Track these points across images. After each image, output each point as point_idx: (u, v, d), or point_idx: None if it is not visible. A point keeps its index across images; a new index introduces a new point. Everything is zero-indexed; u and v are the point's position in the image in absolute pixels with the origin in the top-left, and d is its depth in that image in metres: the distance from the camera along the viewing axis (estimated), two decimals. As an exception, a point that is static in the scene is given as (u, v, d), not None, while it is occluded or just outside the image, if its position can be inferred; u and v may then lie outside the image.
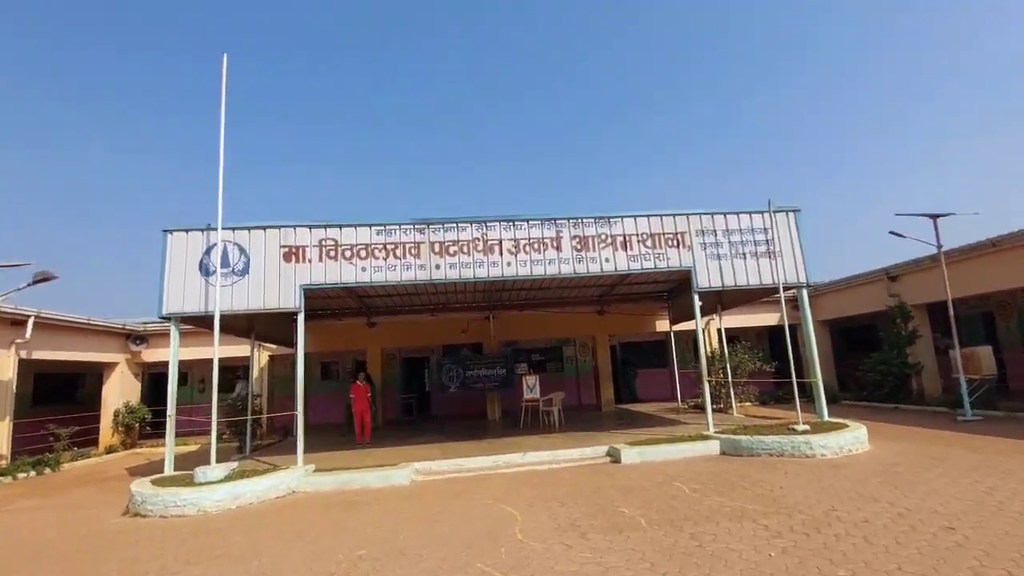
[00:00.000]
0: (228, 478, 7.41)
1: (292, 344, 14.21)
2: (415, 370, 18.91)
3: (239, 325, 11.09)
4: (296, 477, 7.64)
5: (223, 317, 9.87)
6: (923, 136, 66.23)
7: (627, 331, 16.88)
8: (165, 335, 14.76)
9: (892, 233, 10.54)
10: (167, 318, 8.49)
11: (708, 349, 15.40)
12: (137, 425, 14.71)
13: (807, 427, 8.26)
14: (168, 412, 8.45)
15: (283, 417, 14.88)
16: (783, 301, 9.06)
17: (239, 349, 14.61)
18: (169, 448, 8.43)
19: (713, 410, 13.04)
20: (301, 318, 8.56)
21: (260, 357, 14.98)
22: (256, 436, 14.29)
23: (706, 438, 8.49)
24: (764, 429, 8.54)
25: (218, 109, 8.37)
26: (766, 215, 9.54)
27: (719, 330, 13.42)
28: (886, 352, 13.05)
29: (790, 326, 18.03)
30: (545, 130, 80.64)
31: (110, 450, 13.50)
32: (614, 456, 8.19)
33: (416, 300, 13.75)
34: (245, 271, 8.49)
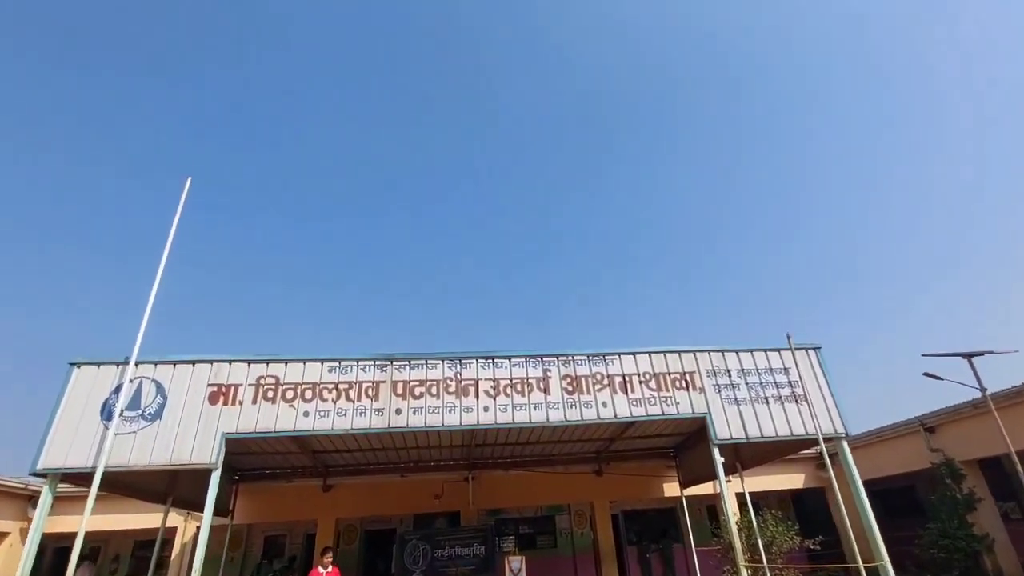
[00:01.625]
0: None
1: (227, 513, 11.77)
2: (381, 546, 15.69)
3: (152, 486, 8.94)
4: None
5: (126, 475, 7.95)
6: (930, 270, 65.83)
7: (630, 496, 14.42)
8: (76, 499, 12.24)
9: (928, 375, 9.26)
10: (42, 474, 6.56)
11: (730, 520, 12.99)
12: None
13: (893, 640, 5.98)
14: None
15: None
16: (825, 455, 7.36)
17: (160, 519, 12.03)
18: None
19: (747, 604, 10.43)
20: (216, 476, 6.70)
21: (187, 529, 12.26)
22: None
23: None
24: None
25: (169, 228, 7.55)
26: (786, 353, 8.32)
27: (741, 495, 11.25)
28: (943, 522, 10.81)
29: (815, 490, 15.89)
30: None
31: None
32: None
33: (381, 456, 11.68)
34: (158, 415, 6.83)
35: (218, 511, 11.36)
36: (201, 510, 10.88)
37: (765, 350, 8.36)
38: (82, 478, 7.48)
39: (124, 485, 8.13)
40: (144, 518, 12.52)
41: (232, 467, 11.65)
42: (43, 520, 6.40)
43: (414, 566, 10.78)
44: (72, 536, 14.25)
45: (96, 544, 14.89)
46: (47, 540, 14.43)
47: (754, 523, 10.11)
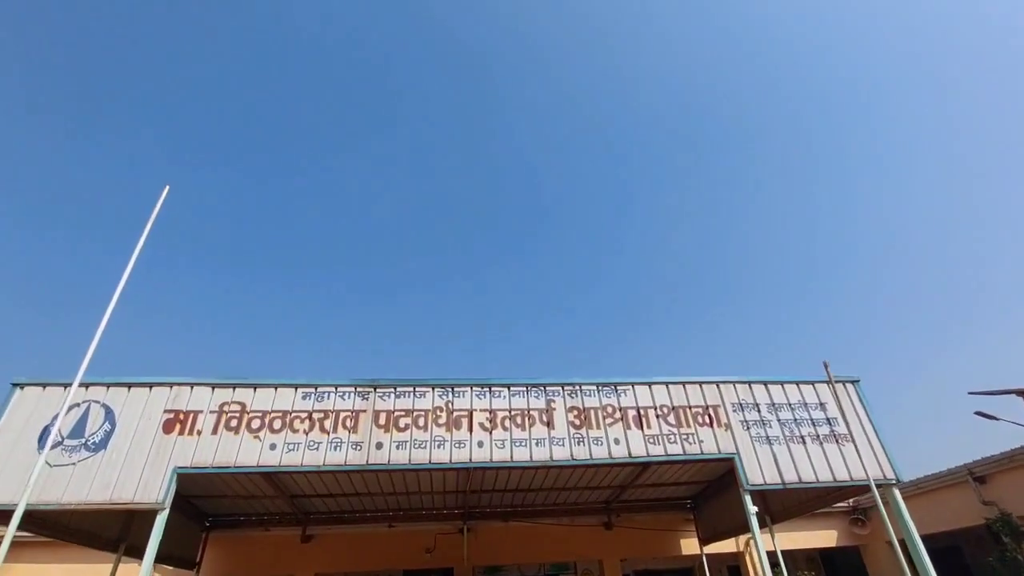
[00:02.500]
0: None
1: (194, 565, 10.55)
2: (366, 607, 14.18)
3: (100, 530, 7.88)
4: None
5: (64, 516, 6.95)
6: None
7: (643, 553, 12.98)
8: (34, 545, 11.05)
9: (980, 415, 8.23)
10: (-43, 515, 5.60)
11: (756, 582, 11.55)
12: None
13: None
14: None
15: None
16: (879, 503, 6.26)
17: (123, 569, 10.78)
18: None
19: None
20: (161, 519, 5.69)
21: (147, 584, 10.96)
22: None
23: None
24: None
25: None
26: (821, 386, 7.38)
27: (772, 554, 9.94)
28: (1006, 591, 9.41)
29: (848, 550, 14.33)
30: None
31: None
32: None
33: (367, 503, 10.56)
34: (103, 444, 5.94)
35: (183, 563, 10.22)
36: (161, 561, 9.83)
37: (797, 382, 7.43)
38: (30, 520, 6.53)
39: (63, 528, 7.10)
40: (106, 569, 11.31)
41: (202, 512, 10.55)
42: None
43: (399, 632, 9.43)
44: (25, 589, 12.99)
45: (52, 599, 13.48)
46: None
47: (789, 588, 8.80)
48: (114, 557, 8.14)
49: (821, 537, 13.22)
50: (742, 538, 12.22)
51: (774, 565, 9.56)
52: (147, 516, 8.74)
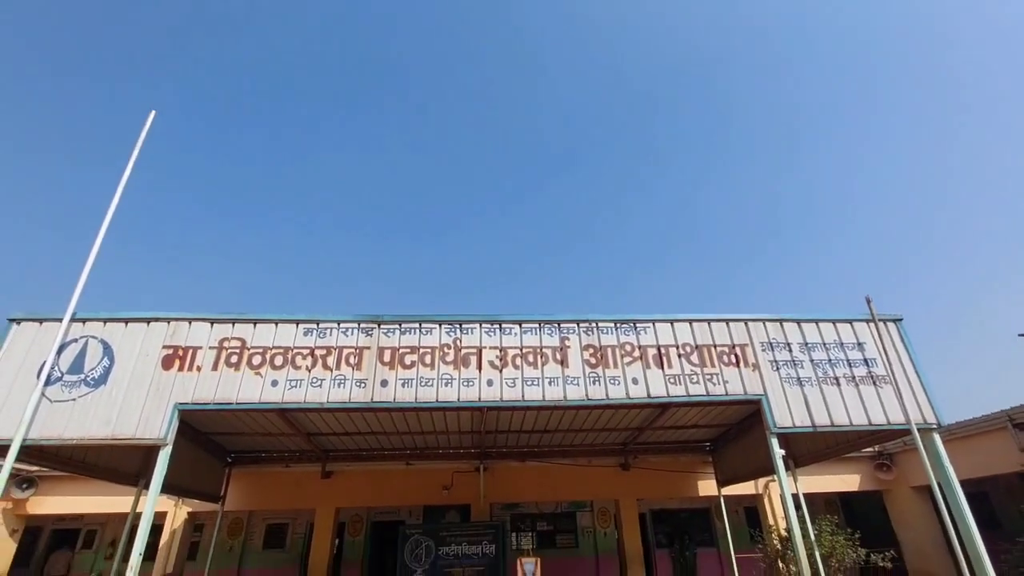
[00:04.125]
0: None
1: (218, 498, 10.86)
2: (389, 539, 14.63)
3: (118, 466, 7.99)
4: None
5: (80, 451, 6.99)
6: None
7: (660, 494, 12.98)
8: (63, 479, 11.54)
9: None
10: (-35, 448, 5.56)
11: (775, 524, 11.45)
12: (-12, 609, 10.68)
13: None
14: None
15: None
16: (921, 448, 5.80)
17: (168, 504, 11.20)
18: None
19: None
20: (164, 454, 5.58)
21: (176, 514, 11.41)
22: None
23: None
24: None
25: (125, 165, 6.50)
26: (859, 325, 6.79)
27: (793, 496, 9.70)
28: (1041, 538, 9.04)
29: (868, 494, 14.10)
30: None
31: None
32: None
33: (384, 442, 10.57)
34: (102, 380, 5.78)
35: (208, 497, 10.51)
36: (185, 495, 10.11)
37: (834, 320, 6.84)
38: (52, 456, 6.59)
39: (81, 463, 7.16)
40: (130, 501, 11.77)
41: (224, 448, 10.73)
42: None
43: (416, 564, 9.64)
44: (68, 518, 13.77)
45: (93, 528, 14.28)
46: (44, 521, 13.90)
47: (810, 531, 8.58)
48: (135, 491, 8.28)
49: (843, 481, 12.98)
50: (761, 481, 12.04)
51: (795, 508, 9.33)
52: (185, 456, 8.95)
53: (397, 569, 9.63)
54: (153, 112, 6.90)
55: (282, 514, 14.32)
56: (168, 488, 9.04)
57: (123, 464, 8.04)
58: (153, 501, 5.33)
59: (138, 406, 5.66)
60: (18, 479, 11.42)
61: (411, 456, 11.38)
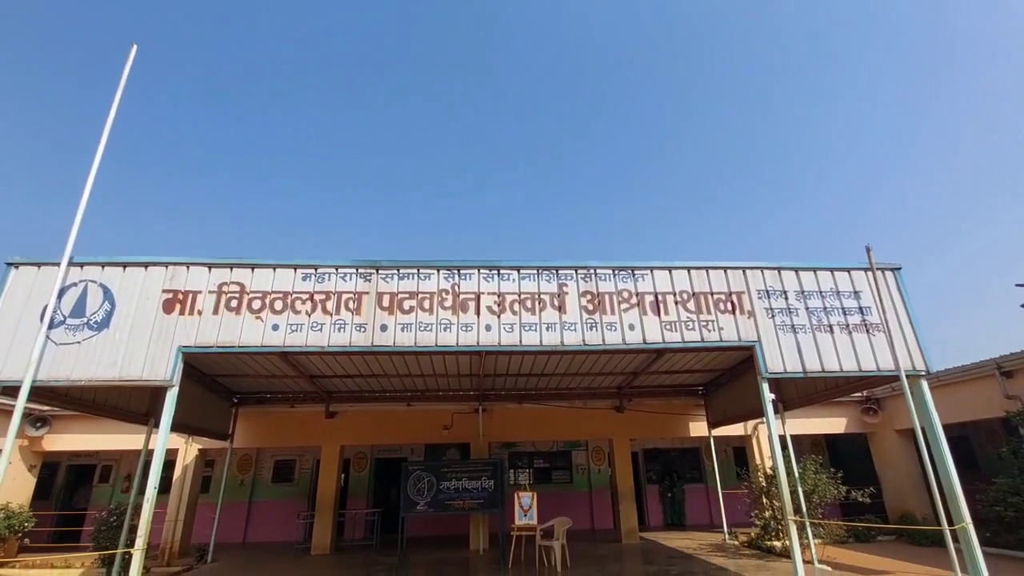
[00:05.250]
0: None
1: (227, 436, 11.27)
2: (392, 474, 15.33)
3: (128, 405, 8.24)
4: None
5: (89, 392, 7.18)
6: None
7: (653, 435, 13.46)
8: (75, 418, 11.92)
9: (1029, 307, 7.62)
10: (-22, 389, 5.71)
11: (762, 463, 11.95)
12: (15, 536, 11.32)
13: (981, 617, 4.82)
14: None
15: (205, 533, 11.48)
16: (908, 394, 5.96)
17: (176, 441, 11.60)
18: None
19: (776, 552, 9.52)
20: (172, 395, 5.73)
21: (187, 451, 11.87)
22: (165, 559, 10.84)
23: (803, 626, 5.06)
24: (903, 615, 5.08)
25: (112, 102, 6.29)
26: (857, 274, 6.80)
27: (780, 437, 10.07)
28: (1015, 478, 9.47)
29: (853, 437, 14.65)
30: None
31: (-41, 573, 10.07)
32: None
33: (385, 384, 10.84)
34: (104, 324, 5.85)
35: (217, 435, 10.91)
36: (194, 433, 10.48)
37: (832, 269, 6.85)
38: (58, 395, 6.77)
39: (91, 403, 7.38)
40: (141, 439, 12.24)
41: (229, 389, 11.02)
42: (-20, 436, 5.55)
43: (418, 497, 10.13)
44: (82, 455, 14.34)
45: (108, 463, 14.92)
46: (60, 457, 14.51)
47: (795, 470, 8.96)
48: (146, 429, 8.58)
49: (830, 424, 13.42)
50: (751, 423, 12.45)
51: (781, 448, 9.71)
52: (195, 397, 9.21)
53: (401, 502, 10.13)
54: (135, 46, 6.58)
55: (289, 451, 14.95)
56: (177, 427, 9.34)
57: (132, 404, 8.28)
58: (164, 439, 5.53)
59: (142, 349, 5.76)
60: (31, 418, 11.80)
61: (412, 398, 11.70)
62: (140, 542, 5.26)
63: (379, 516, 13.15)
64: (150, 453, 6.87)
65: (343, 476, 13.38)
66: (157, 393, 8.60)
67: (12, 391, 5.59)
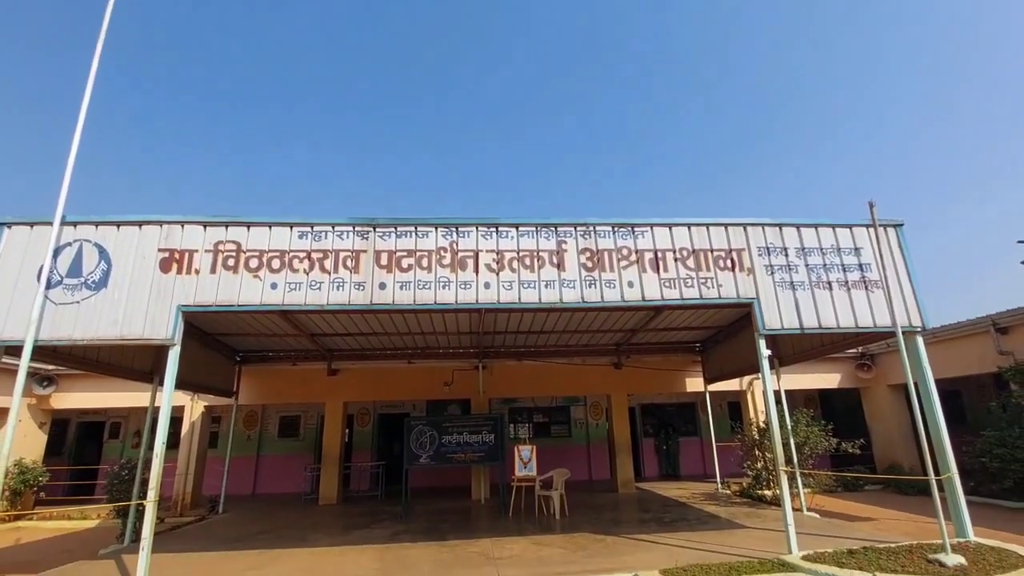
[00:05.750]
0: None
1: (231, 393, 11.47)
2: (395, 429, 15.72)
3: (131, 363, 8.33)
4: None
5: (92, 351, 7.25)
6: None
7: (650, 390, 13.72)
8: (81, 376, 12.11)
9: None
10: (-20, 348, 5.74)
11: (755, 417, 12.23)
12: (31, 490, 11.72)
13: (961, 559, 5.05)
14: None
15: (215, 486, 11.87)
16: (903, 349, 6.02)
17: (182, 398, 11.83)
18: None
19: (767, 500, 9.88)
20: (174, 354, 5.78)
21: (193, 408, 12.13)
22: (178, 510, 11.27)
23: (791, 568, 5.30)
24: (888, 558, 5.31)
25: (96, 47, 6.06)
26: (859, 230, 6.75)
27: (775, 392, 10.25)
28: (1002, 431, 9.72)
29: (846, 391, 14.94)
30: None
31: (-19, 523, 10.50)
32: (642, 596, 5.04)
33: (386, 342, 10.95)
34: (102, 283, 5.83)
35: (222, 392, 11.10)
36: (199, 390, 10.66)
37: (833, 225, 6.79)
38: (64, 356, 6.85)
39: (94, 362, 7.46)
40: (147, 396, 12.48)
41: (232, 348, 11.13)
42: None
43: (421, 451, 10.42)
44: (93, 412, 14.64)
45: (117, 420, 15.26)
46: (70, 415, 14.82)
47: (787, 422, 9.17)
48: (150, 387, 8.71)
49: (824, 379, 13.66)
50: (746, 378, 12.67)
51: (776, 403, 9.91)
52: (199, 355, 9.29)
53: (404, 455, 10.43)
54: (114, -5, 6.27)
55: (293, 407, 15.26)
56: (182, 384, 9.48)
57: (136, 362, 8.37)
58: (169, 396, 5.61)
59: (142, 308, 5.77)
60: (37, 377, 11.99)
61: (413, 355, 11.83)
62: (152, 494, 5.42)
63: (383, 469, 13.55)
64: (156, 410, 7.01)
65: (347, 431, 13.72)
66: (160, 352, 8.67)
67: (15, 351, 5.64)
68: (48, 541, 9.29)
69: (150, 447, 6.70)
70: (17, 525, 11.00)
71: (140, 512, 7.67)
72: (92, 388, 12.39)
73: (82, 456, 15.05)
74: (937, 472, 5.82)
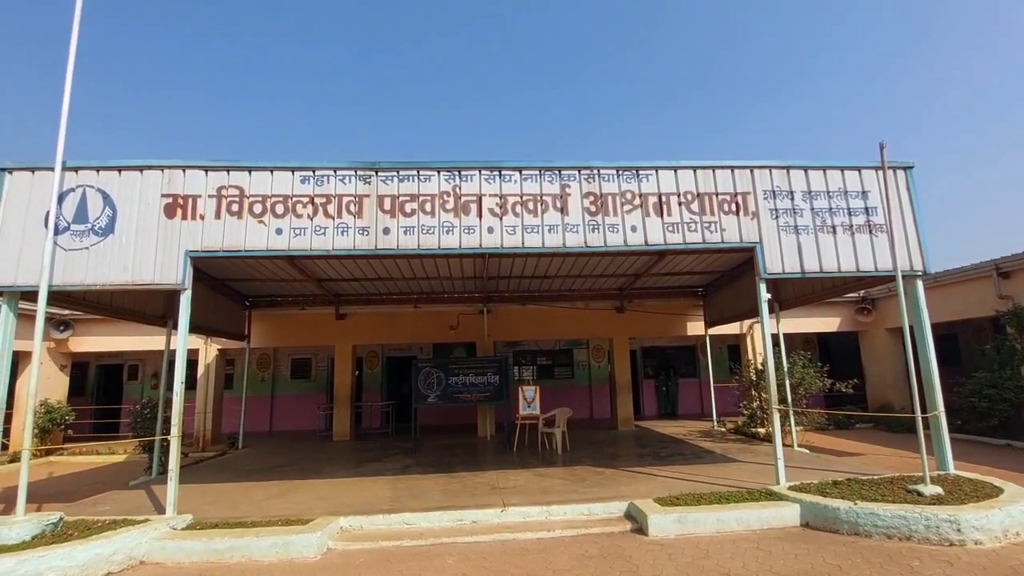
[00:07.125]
0: (35, 541, 4.79)
1: (243, 337, 11.77)
2: (403, 371, 16.20)
3: (145, 308, 8.54)
4: (147, 540, 4.98)
5: (105, 295, 7.42)
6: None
7: (651, 333, 14.01)
8: (96, 321, 12.41)
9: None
10: (-1, 293, 5.88)
11: (754, 359, 12.51)
12: (58, 428, 12.32)
13: (938, 490, 5.34)
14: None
15: (234, 424, 12.45)
16: (901, 293, 6.08)
17: (195, 342, 12.16)
18: (23, 481, 5.55)
19: (760, 437, 10.29)
20: (186, 298, 5.92)
21: (208, 351, 12.50)
22: (200, 446, 11.87)
23: (777, 498, 5.63)
24: (869, 488, 5.63)
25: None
26: (867, 173, 6.65)
27: (774, 336, 10.44)
28: (994, 372, 9.95)
29: (844, 335, 15.15)
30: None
31: (15, 458, 11.12)
32: (637, 521, 5.40)
33: (392, 287, 11.10)
34: (109, 229, 5.89)
35: (234, 336, 11.39)
36: (212, 334, 10.95)
37: (842, 167, 6.68)
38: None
39: (108, 306, 7.65)
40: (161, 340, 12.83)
41: (241, 293, 11.32)
42: (9, 340, 5.79)
43: (428, 390, 10.81)
44: (110, 355, 15.10)
45: (134, 363, 15.78)
46: (89, 358, 15.31)
47: (784, 364, 9.40)
48: (164, 331, 8.95)
49: (823, 323, 13.85)
50: (747, 322, 12.86)
51: (774, 346, 10.11)
52: (208, 300, 9.46)
53: (412, 395, 10.83)
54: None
55: (304, 350, 15.70)
56: (194, 328, 9.69)
57: (149, 307, 8.57)
58: (183, 339, 5.80)
59: (150, 253, 5.85)
60: (54, 322, 12.30)
61: (419, 300, 12.01)
62: (175, 430, 5.73)
63: (393, 408, 14.11)
64: (172, 353, 7.24)
65: (357, 373, 14.17)
66: (171, 296, 8.83)
67: (30, 296, 5.77)
68: (80, 474, 9.88)
69: (169, 388, 6.98)
70: (49, 460, 11.66)
71: (164, 447, 8.11)
72: (108, 332, 12.73)
73: (105, 396, 15.71)
74: (925, 411, 6.04)
